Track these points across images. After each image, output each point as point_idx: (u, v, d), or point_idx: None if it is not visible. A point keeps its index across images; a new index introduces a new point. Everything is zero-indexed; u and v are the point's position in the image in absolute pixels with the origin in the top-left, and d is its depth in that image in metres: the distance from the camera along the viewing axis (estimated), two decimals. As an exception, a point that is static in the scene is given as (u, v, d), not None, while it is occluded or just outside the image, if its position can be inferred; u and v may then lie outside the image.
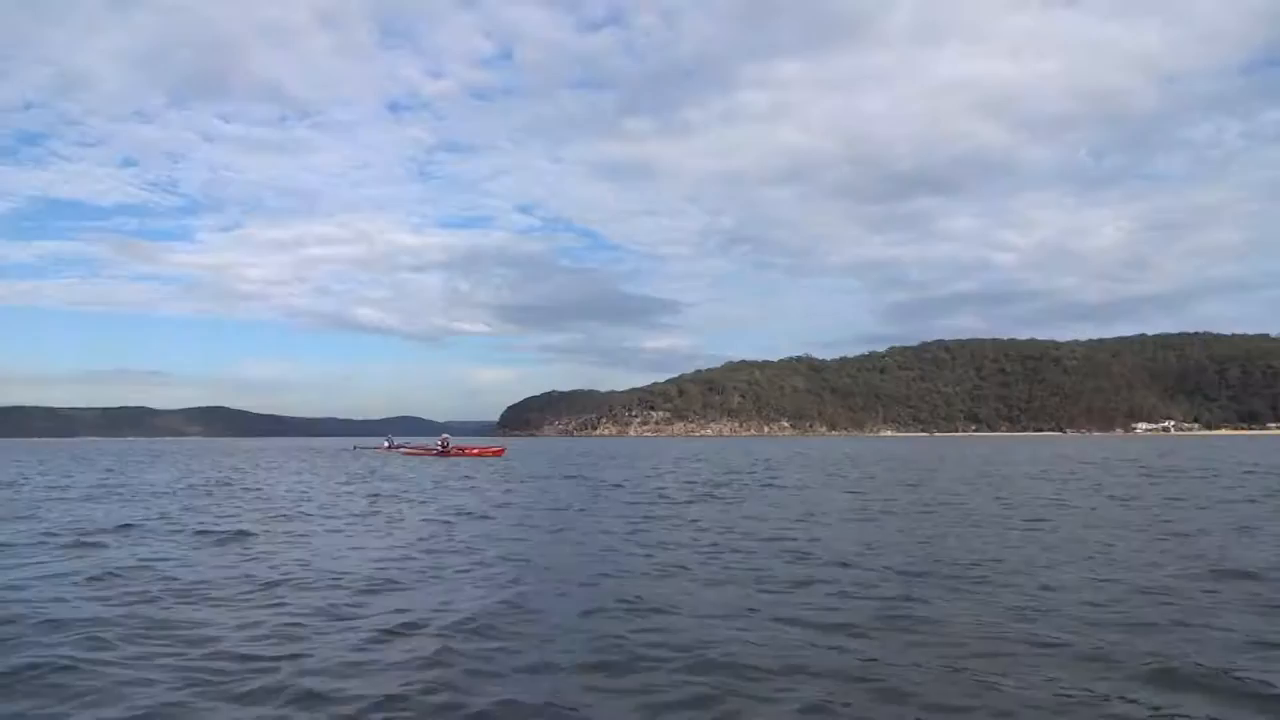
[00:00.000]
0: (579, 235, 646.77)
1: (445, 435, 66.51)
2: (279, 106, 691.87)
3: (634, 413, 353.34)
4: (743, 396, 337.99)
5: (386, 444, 72.61)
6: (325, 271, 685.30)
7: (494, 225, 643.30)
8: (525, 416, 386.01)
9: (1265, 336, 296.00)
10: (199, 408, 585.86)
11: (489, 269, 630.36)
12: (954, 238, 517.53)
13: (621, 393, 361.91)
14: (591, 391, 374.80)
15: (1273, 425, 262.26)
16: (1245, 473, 30.92)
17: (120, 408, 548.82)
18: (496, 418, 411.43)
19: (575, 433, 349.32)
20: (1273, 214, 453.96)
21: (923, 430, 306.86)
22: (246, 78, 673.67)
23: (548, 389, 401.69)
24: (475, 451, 62.60)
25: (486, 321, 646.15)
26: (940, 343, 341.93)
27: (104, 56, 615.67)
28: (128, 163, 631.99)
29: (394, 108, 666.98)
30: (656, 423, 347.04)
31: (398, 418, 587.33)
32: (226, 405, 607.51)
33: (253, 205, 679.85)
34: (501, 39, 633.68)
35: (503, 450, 65.84)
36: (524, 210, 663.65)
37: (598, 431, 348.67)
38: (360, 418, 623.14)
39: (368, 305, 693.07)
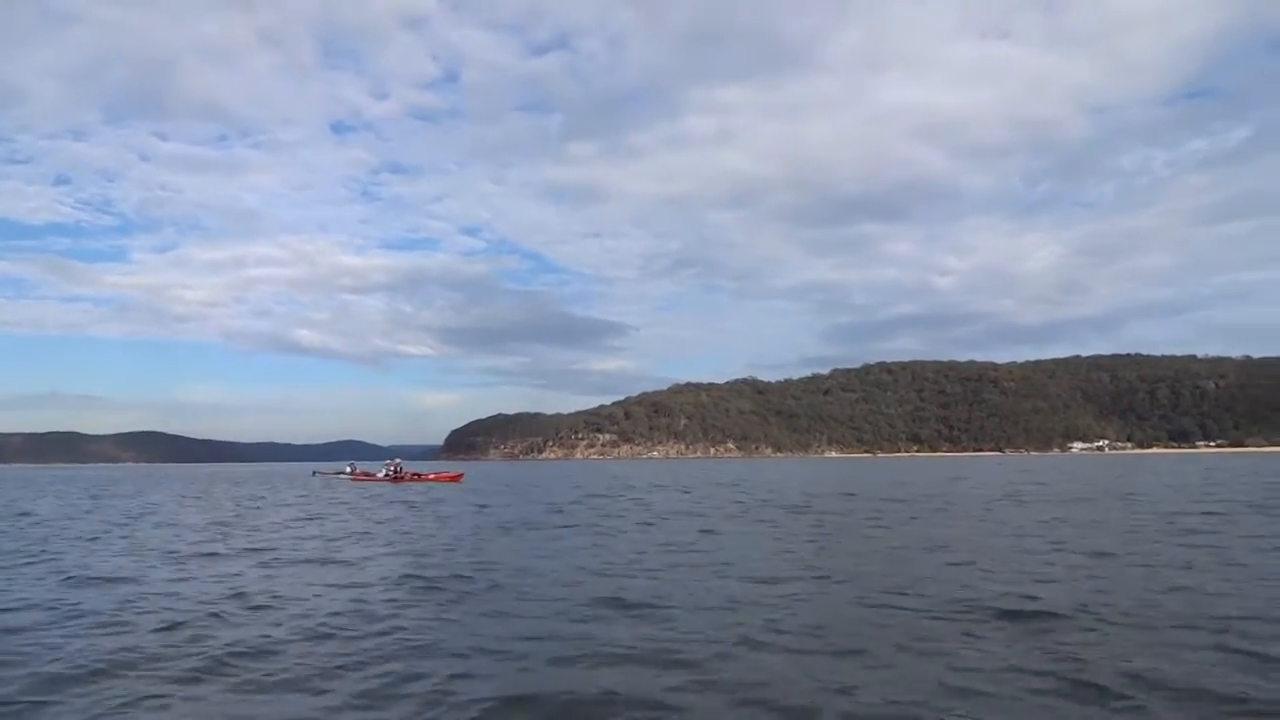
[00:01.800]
0: (524, 258, 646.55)
1: (397, 460, 63.47)
2: (219, 125, 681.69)
3: (580, 435, 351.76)
4: (689, 419, 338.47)
5: (349, 469, 69.58)
6: (265, 293, 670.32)
7: (438, 247, 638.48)
8: (470, 440, 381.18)
9: (1193, 358, 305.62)
10: (133, 433, 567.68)
11: (433, 291, 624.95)
12: (896, 262, 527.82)
13: (568, 415, 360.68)
14: (537, 415, 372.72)
15: (1201, 443, 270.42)
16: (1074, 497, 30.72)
17: (49, 433, 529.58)
18: (441, 441, 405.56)
19: (521, 456, 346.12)
20: (1199, 239, 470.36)
21: (866, 451, 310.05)
22: (185, 96, 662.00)
23: (493, 412, 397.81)
24: (431, 477, 59.98)
25: (430, 344, 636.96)
26: (882, 364, 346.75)
27: (36, 72, 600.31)
28: (60, 180, 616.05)
29: (337, 128, 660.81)
30: (603, 445, 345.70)
31: (341, 441, 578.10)
32: (162, 430, 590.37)
33: (190, 225, 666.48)
34: (447, 61, 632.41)
35: (460, 476, 62.39)
36: (469, 232, 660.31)
37: (544, 455, 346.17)
38: (303, 442, 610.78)
39: (309, 327, 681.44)
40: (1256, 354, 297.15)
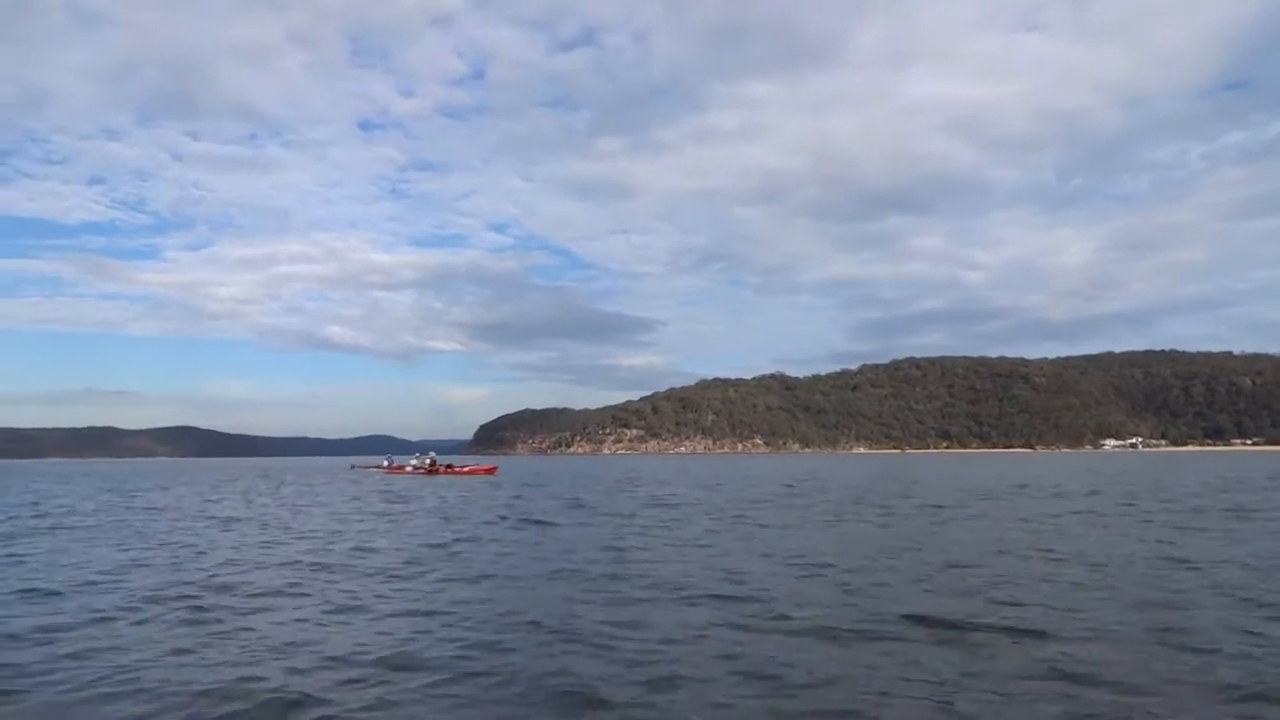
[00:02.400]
0: (552, 254, 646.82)
1: (432, 453, 65.38)
2: (250, 124, 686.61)
3: (608, 431, 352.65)
4: (716, 414, 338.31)
5: (386, 463, 71.14)
6: (296, 290, 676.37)
7: (466, 244, 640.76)
8: (499, 435, 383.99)
9: (1229, 354, 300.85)
10: (167, 427, 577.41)
11: (462, 287, 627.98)
12: (924, 256, 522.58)
13: (595, 411, 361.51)
14: (565, 410, 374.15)
15: (1237, 441, 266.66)
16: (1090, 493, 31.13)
17: (87, 428, 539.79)
18: (470, 436, 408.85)
19: (549, 451, 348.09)
20: (1234, 233, 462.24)
21: (894, 447, 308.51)
22: (216, 96, 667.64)
23: (521, 407, 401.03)
24: (466, 470, 61.05)
25: (459, 340, 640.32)
26: (911, 360, 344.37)
27: (70, 73, 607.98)
28: (95, 180, 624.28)
29: (365, 126, 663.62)
30: (630, 441, 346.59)
31: (371, 436, 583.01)
32: (196, 425, 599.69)
33: (222, 223, 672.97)
34: (473, 58, 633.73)
35: (494, 469, 64.02)
36: (496, 229, 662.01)
37: (571, 450, 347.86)
38: (334, 437, 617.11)
39: (339, 324, 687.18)
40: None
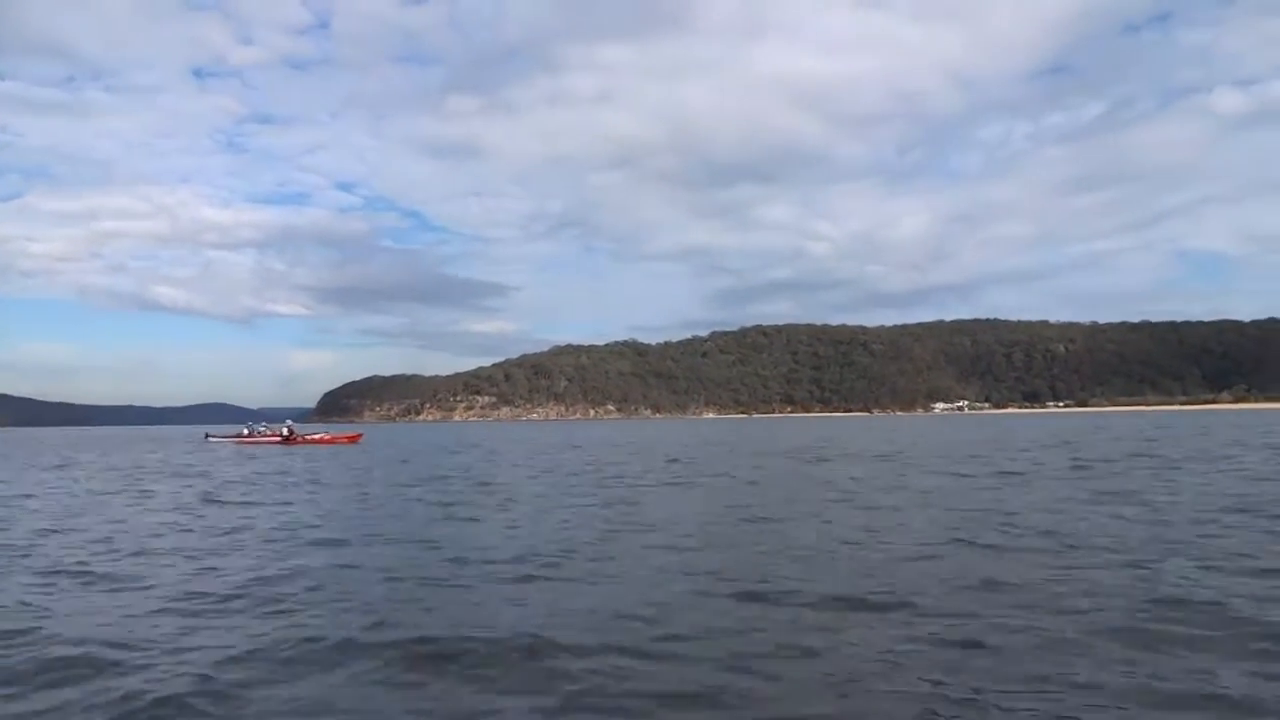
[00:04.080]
0: (402, 215, 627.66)
1: (289, 421, 62.65)
2: (66, 65, 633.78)
3: (459, 398, 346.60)
4: (569, 380, 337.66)
5: (246, 431, 65.24)
6: (122, 247, 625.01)
7: (310, 203, 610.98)
8: (344, 402, 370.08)
9: (1045, 323, 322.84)
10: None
11: (306, 248, 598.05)
12: (772, 226, 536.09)
13: (447, 378, 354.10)
14: (415, 376, 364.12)
15: (1051, 404, 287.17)
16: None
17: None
18: (314, 404, 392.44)
19: (397, 418, 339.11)
20: (1055, 209, 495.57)
21: (742, 412, 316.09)
22: (25, 31, 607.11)
23: (369, 373, 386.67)
24: (327, 439, 57.50)
25: (304, 304, 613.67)
26: (758, 327, 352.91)
27: None
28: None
29: (200, 74, 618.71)
30: (482, 408, 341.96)
31: (208, 404, 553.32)
32: (8, 393, 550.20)
33: (35, 173, 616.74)
34: (318, 7, 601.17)
35: (359, 437, 60.92)
36: (344, 188, 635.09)
37: (421, 417, 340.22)
38: (165, 405, 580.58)
39: (171, 284, 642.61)
40: (1103, 320, 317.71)
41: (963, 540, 11.52)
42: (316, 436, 58.81)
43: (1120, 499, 16.10)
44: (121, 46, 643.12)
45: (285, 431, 57.78)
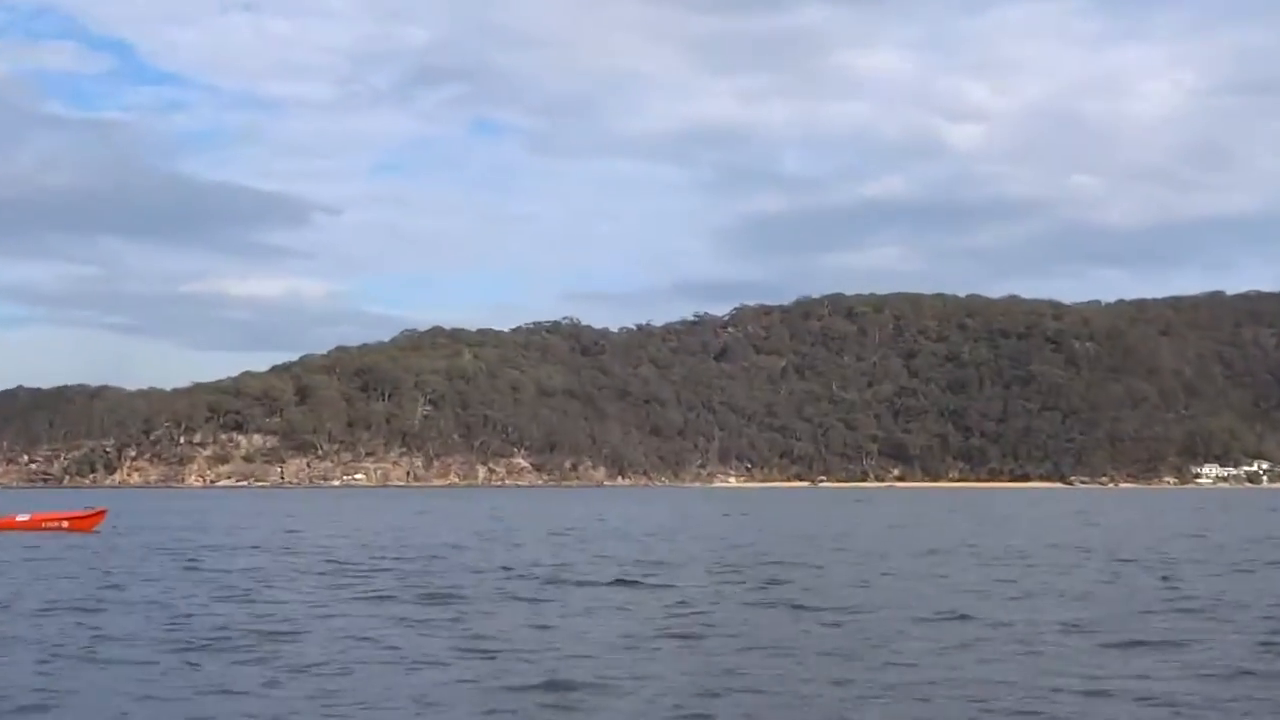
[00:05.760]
0: (91, 48, 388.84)
1: None
2: None
3: (199, 438, 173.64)
4: (434, 405, 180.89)
5: None
6: None
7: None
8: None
9: None
10: None
11: None
12: (872, 88, 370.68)
13: (173, 394, 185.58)
14: (105, 390, 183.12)
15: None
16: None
17: None
18: None
19: (43, 481, 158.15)
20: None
21: (798, 478, 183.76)
22: None
23: (5, 384, 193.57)
24: (34, 521, 34.59)
25: None
26: (836, 298, 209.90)
27: None
28: None
29: None
30: (244, 459, 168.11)
31: None
32: None
33: None
34: None
35: (98, 516, 36.28)
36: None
37: (113, 478, 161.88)
38: None
39: None
40: None
41: None
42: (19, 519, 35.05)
43: None
44: None
45: None
